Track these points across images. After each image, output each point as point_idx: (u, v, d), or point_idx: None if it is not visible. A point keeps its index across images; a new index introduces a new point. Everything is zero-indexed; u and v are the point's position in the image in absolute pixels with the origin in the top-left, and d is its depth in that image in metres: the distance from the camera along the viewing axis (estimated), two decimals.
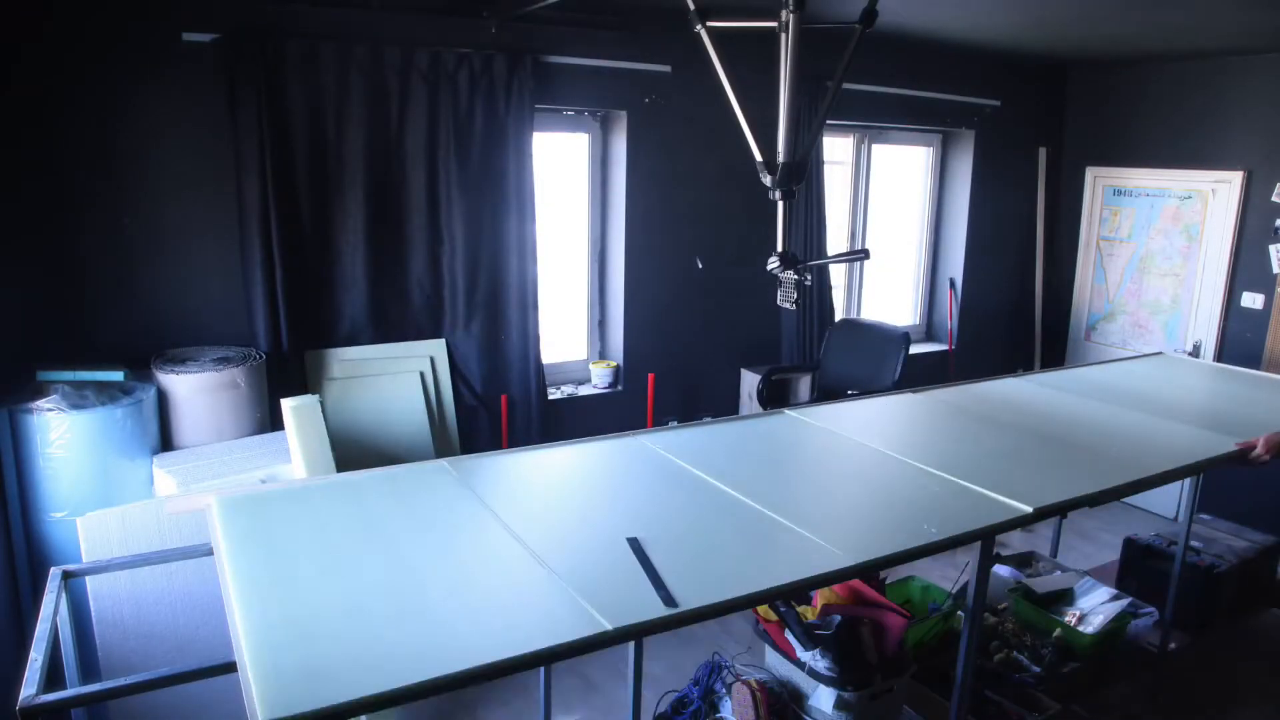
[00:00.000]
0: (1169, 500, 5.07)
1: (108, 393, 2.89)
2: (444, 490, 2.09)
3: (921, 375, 4.83)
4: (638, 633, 1.54)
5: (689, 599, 1.59)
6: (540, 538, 1.84)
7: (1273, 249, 4.74)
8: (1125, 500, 5.12)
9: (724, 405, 4.71)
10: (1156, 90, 5.18)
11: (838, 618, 2.50)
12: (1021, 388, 3.23)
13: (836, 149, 5.07)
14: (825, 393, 4.53)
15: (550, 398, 4.13)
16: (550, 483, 2.26)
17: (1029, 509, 2.06)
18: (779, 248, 2.54)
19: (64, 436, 2.75)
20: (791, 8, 2.26)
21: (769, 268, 2.55)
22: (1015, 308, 5.86)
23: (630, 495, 2.15)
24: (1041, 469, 2.37)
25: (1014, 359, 5.83)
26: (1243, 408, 3.06)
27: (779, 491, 2.14)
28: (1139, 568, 3.44)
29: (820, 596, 2.68)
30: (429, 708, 3.18)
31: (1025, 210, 5.73)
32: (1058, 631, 2.99)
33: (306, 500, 2.03)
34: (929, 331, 5.78)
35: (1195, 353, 5.07)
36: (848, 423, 2.70)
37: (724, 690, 2.62)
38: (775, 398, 4.61)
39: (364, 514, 1.95)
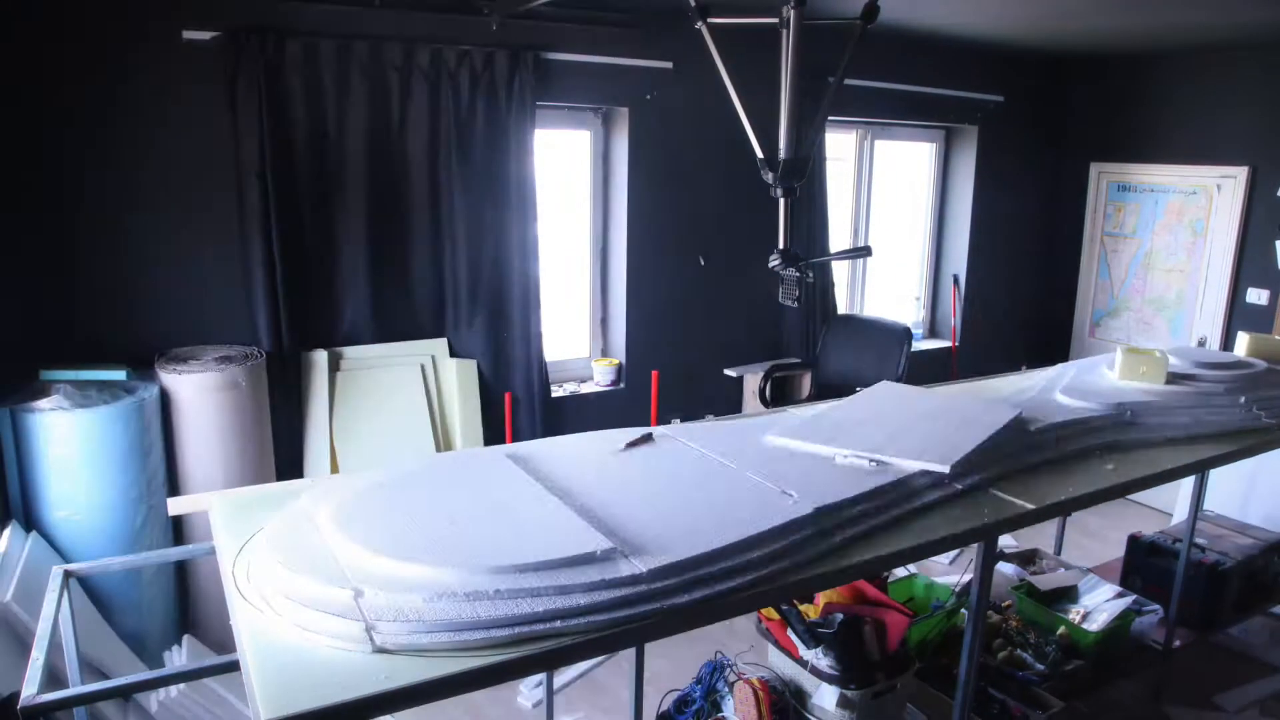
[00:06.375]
0: (1173, 498, 5.05)
1: (110, 392, 2.89)
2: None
3: (926, 372, 4.81)
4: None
5: None
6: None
7: (1278, 244, 4.71)
8: (1129, 497, 5.10)
9: (727, 403, 4.70)
10: (1161, 85, 5.15)
11: (840, 616, 2.49)
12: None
13: (839, 145, 5.05)
14: (826, 390, 4.51)
15: (553, 395, 4.12)
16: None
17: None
18: (781, 245, 2.53)
19: (66, 436, 2.75)
20: (793, 4, 2.25)
21: (771, 265, 2.55)
22: (1019, 304, 5.84)
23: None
24: None
25: (1017, 356, 5.81)
26: None
27: None
28: (1143, 565, 3.43)
29: (822, 595, 2.68)
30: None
31: (1029, 206, 5.71)
32: (1061, 629, 2.98)
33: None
34: (933, 328, 5.76)
35: (1202, 347, 5.05)
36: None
37: (726, 689, 2.61)
38: (778, 396, 4.60)
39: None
